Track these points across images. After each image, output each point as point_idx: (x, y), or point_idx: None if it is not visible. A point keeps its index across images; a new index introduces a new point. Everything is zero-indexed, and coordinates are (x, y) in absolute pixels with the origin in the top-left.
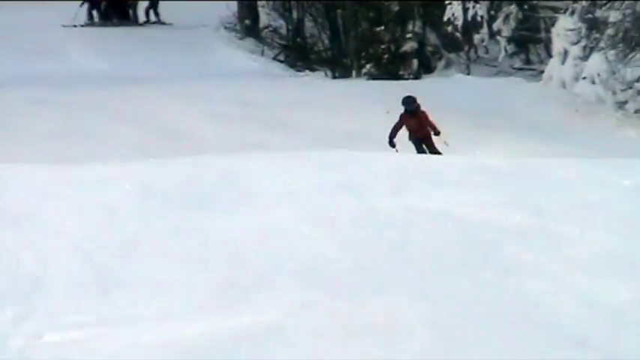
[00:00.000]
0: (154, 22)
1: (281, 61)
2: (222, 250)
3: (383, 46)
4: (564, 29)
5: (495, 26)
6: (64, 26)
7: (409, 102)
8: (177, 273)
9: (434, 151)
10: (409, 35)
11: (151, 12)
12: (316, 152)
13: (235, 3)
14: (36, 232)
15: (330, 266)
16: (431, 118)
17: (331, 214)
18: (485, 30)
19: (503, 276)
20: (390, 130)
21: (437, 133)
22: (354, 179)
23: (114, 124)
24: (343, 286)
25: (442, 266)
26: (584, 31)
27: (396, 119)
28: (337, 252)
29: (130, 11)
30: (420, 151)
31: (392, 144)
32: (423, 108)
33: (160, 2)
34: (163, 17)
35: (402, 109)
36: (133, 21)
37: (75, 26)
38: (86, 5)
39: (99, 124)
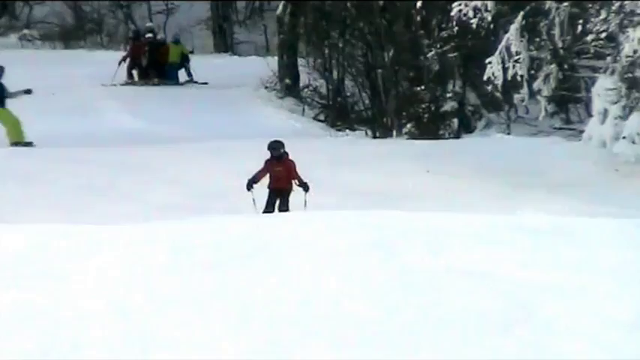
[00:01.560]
0: (188, 82)
1: (321, 121)
2: (260, 310)
3: (423, 106)
4: (604, 89)
5: (535, 86)
6: (103, 85)
7: (276, 146)
8: (216, 333)
9: (283, 207)
10: (449, 95)
11: (183, 71)
12: (354, 212)
13: (276, 62)
14: (74, 292)
15: (369, 328)
16: (298, 170)
17: (369, 275)
18: (525, 90)
19: (544, 336)
20: (252, 176)
21: (306, 187)
22: (392, 239)
23: (149, 183)
24: (381, 348)
25: (481, 326)
26: (624, 90)
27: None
28: (375, 313)
29: (172, 71)
30: (269, 205)
31: (249, 187)
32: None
33: (198, 61)
34: (203, 76)
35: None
36: (174, 80)
37: (114, 85)
38: (126, 64)
39: (133, 182)
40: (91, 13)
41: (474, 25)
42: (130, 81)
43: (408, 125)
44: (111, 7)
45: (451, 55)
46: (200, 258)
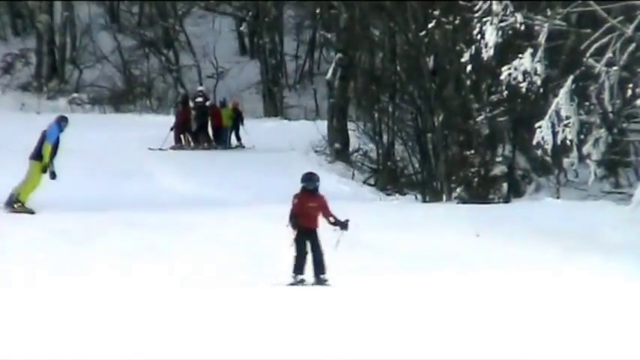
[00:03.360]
0: (237, 146)
1: (371, 185)
2: None
3: (473, 170)
4: None
5: (585, 150)
6: (150, 149)
7: (311, 178)
8: None
9: (318, 251)
10: (499, 159)
11: (233, 135)
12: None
13: (326, 126)
14: None
15: None
16: (330, 207)
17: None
18: (574, 154)
19: None
20: (289, 214)
21: (344, 226)
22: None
23: (201, 246)
24: None
25: None
26: None
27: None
28: None
29: (224, 135)
30: (300, 249)
31: (295, 225)
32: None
33: (248, 125)
34: (253, 140)
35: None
36: (223, 145)
37: (160, 149)
38: (174, 128)
39: (187, 245)
40: (140, 77)
41: (524, 89)
42: (177, 145)
43: (458, 189)
44: (161, 71)
45: (501, 119)
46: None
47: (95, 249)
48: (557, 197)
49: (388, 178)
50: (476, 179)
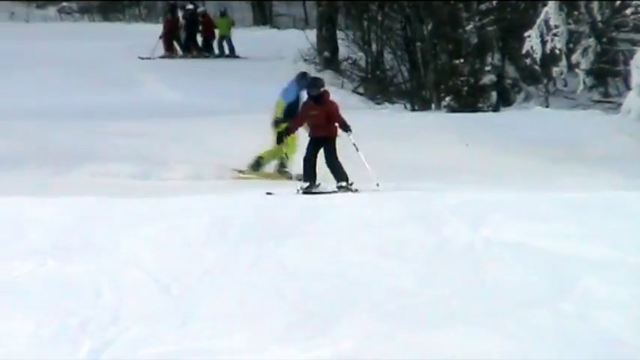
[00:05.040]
0: (229, 55)
1: (360, 94)
2: (299, 282)
3: (462, 79)
4: None
5: (574, 59)
6: (140, 58)
7: (314, 84)
8: (254, 305)
9: (333, 162)
10: (488, 68)
11: (224, 44)
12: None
13: (315, 35)
14: (116, 264)
15: (407, 299)
16: (342, 114)
17: (409, 247)
18: (563, 63)
19: (581, 308)
20: (291, 122)
21: (346, 128)
22: (431, 212)
23: (191, 155)
24: (419, 318)
25: (519, 298)
26: None
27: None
28: (414, 284)
29: (213, 44)
30: (309, 160)
31: (279, 140)
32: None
33: (238, 34)
34: (243, 50)
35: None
36: (216, 53)
37: (149, 58)
38: (164, 38)
39: (174, 155)
40: None
41: None
42: (167, 54)
43: (447, 98)
44: None
45: (490, 28)
46: (238, 232)
47: (79, 157)
48: (546, 106)
49: (377, 87)
50: (465, 88)
